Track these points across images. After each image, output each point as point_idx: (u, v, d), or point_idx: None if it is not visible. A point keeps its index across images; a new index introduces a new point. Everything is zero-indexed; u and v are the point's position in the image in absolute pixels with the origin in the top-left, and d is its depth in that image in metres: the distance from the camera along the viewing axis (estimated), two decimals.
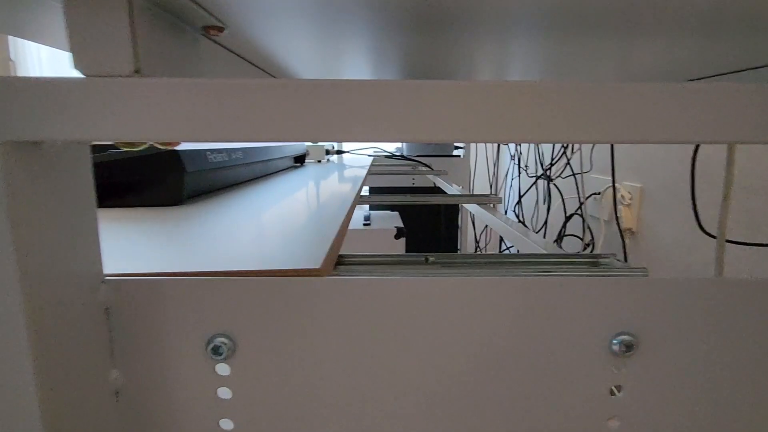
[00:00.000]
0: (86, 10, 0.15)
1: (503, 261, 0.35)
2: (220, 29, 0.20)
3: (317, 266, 0.23)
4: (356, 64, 0.40)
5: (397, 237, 1.26)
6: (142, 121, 0.16)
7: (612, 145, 0.93)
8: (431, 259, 0.34)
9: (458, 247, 1.78)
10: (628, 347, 0.24)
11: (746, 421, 0.24)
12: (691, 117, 0.17)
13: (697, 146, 0.58)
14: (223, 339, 0.23)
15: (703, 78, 0.49)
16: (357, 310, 0.23)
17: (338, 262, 0.33)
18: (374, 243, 1.26)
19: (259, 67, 0.37)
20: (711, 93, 0.17)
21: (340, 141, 0.18)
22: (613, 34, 0.27)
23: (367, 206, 1.63)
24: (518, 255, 0.36)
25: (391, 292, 0.23)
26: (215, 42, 0.23)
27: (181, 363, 0.23)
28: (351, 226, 1.26)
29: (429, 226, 1.71)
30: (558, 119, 0.17)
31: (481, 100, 0.17)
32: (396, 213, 1.43)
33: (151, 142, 0.18)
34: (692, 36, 0.28)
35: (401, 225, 1.27)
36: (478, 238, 1.94)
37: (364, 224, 1.29)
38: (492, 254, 0.36)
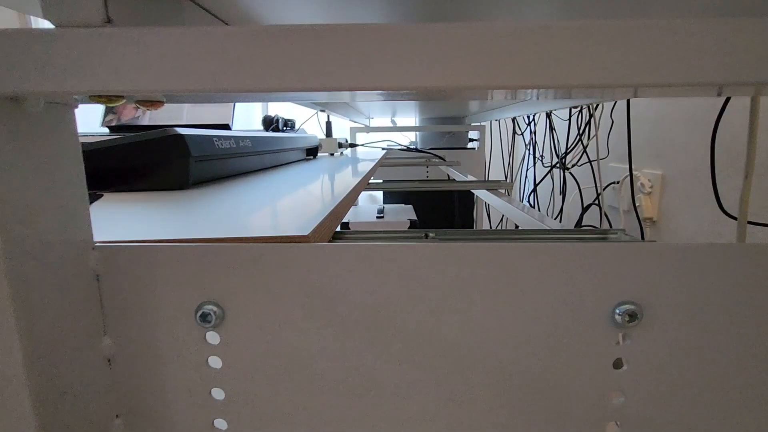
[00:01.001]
0: None
1: (506, 237, 0.34)
2: None
3: (305, 234, 0.23)
4: (364, 15, 0.39)
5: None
6: (115, 72, 0.16)
7: (629, 130, 0.90)
8: (431, 234, 0.33)
9: None
10: (632, 317, 0.22)
11: (759, 398, 0.23)
12: (715, 55, 0.16)
13: (719, 118, 0.56)
14: (211, 306, 0.23)
15: None
16: (344, 276, 0.22)
17: (336, 236, 0.32)
18: None
19: None
20: (737, 28, 0.16)
21: (329, 89, 0.17)
22: None
23: (381, 200, 1.63)
24: (523, 231, 0.34)
25: (377, 258, 0.22)
26: (201, 7, 0.23)
27: (171, 331, 0.23)
28: (365, 219, 1.25)
29: (443, 219, 1.70)
30: (573, 62, 0.16)
31: (488, 44, 0.16)
32: (410, 206, 1.42)
33: (131, 96, 0.18)
34: None
35: (414, 218, 1.26)
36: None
37: (378, 217, 1.29)
38: (496, 230, 0.35)
